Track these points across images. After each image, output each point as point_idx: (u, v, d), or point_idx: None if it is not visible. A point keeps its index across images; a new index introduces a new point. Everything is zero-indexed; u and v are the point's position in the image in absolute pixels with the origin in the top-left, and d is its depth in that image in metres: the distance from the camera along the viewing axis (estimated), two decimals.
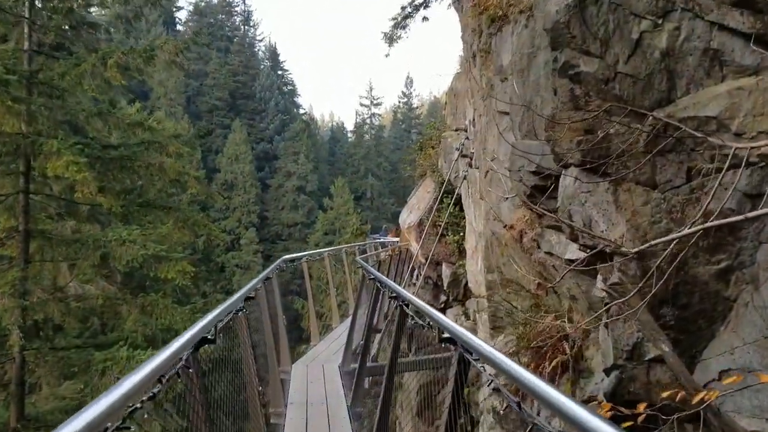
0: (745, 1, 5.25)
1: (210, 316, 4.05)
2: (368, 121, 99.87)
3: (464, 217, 14.74)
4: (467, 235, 13.65)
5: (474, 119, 11.29)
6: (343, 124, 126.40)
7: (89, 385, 15.76)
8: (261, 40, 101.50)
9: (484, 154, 9.84)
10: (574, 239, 6.62)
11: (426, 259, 16.05)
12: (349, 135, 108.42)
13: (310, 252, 18.07)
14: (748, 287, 5.54)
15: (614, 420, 4.91)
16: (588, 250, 6.16)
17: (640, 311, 5.44)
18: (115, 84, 17.43)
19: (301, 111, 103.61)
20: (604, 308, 5.97)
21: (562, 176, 6.46)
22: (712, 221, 4.70)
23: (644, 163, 5.55)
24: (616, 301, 5.59)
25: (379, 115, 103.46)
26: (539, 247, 7.75)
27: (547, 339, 7.39)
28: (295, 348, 25.02)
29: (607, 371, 6.55)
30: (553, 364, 7.44)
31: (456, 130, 16.06)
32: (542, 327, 7.54)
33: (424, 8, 24.95)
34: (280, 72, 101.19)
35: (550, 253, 7.46)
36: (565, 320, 7.50)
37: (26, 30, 16.29)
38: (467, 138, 13.07)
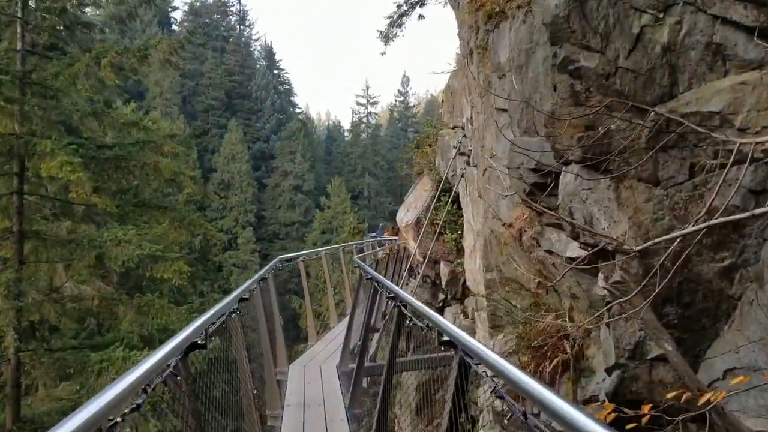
0: None
1: (200, 320, 3.89)
2: (365, 119, 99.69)
3: (462, 215, 14.64)
4: (465, 234, 13.56)
5: (471, 117, 11.19)
6: (339, 123, 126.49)
7: (85, 386, 15.71)
8: (257, 40, 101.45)
9: (482, 151, 9.74)
10: (575, 237, 6.53)
11: (424, 258, 15.95)
12: (346, 134, 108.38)
13: (307, 251, 17.98)
14: (752, 285, 5.46)
15: (617, 421, 4.85)
16: (589, 249, 6.07)
17: (644, 310, 5.35)
18: (110, 84, 17.34)
19: (298, 110, 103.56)
20: (606, 307, 5.88)
21: (562, 173, 6.37)
22: (717, 218, 4.60)
23: (646, 159, 5.46)
24: (618, 300, 5.50)
25: (376, 113, 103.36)
26: (539, 246, 7.65)
27: (547, 338, 7.30)
28: (293, 347, 24.97)
29: (609, 370, 6.47)
30: (554, 363, 7.35)
31: (453, 127, 15.96)
32: (542, 326, 7.44)
33: (420, 6, 24.85)
34: (276, 71, 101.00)
35: (550, 252, 7.36)
36: (566, 319, 7.40)
37: (19, 30, 16.20)
38: (465, 136, 12.96)
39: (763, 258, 5.32)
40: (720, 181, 4.76)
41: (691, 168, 5.45)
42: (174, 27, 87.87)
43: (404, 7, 24.92)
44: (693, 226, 4.82)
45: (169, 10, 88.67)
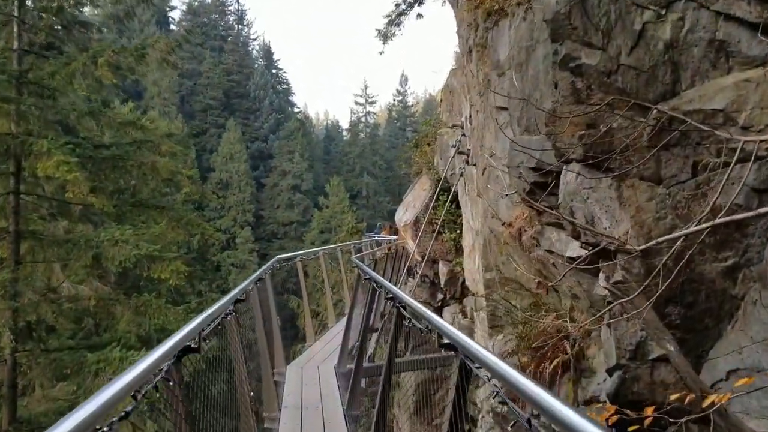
0: None
1: (193, 323, 3.78)
2: (363, 119, 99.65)
3: (461, 215, 14.58)
4: (464, 233, 13.49)
5: (470, 115, 11.12)
6: (338, 122, 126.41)
7: (82, 387, 15.65)
8: (255, 39, 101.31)
9: (482, 150, 9.67)
10: (576, 237, 6.45)
11: (422, 257, 15.88)
12: (344, 133, 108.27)
13: (305, 251, 17.90)
14: (755, 285, 5.40)
15: (619, 423, 4.78)
16: (590, 248, 5.99)
17: (639, 309, 5.28)
18: (107, 83, 17.27)
19: (296, 110, 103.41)
20: (608, 308, 5.79)
21: (563, 172, 6.29)
22: (721, 218, 4.53)
23: (648, 157, 5.39)
24: (620, 300, 5.42)
25: (374, 113, 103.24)
26: (539, 245, 7.58)
27: (548, 339, 7.22)
28: (291, 346, 24.92)
29: (610, 371, 6.40)
30: (554, 363, 7.28)
31: (452, 126, 15.90)
32: (543, 327, 7.37)
33: (419, 5, 24.82)
34: (274, 71, 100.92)
35: (550, 251, 7.29)
36: (567, 320, 7.33)
37: (15, 29, 16.12)
38: (464, 135, 12.89)
39: (766, 257, 5.26)
40: (724, 180, 4.68)
41: (694, 166, 5.38)
42: (172, 27, 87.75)
43: (403, 6, 24.89)
44: (696, 225, 4.75)
45: (167, 9, 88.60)
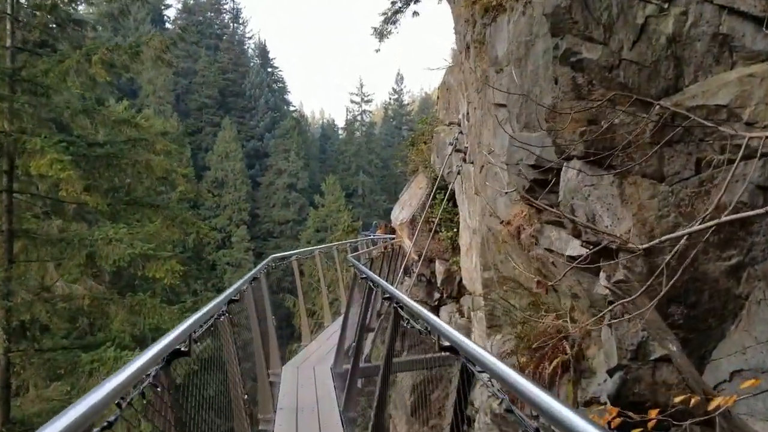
0: None
1: (184, 325, 3.62)
2: (359, 118, 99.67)
3: (458, 213, 14.49)
4: (461, 232, 13.40)
5: (468, 113, 11.01)
6: (333, 121, 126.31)
7: (76, 387, 15.58)
8: (250, 38, 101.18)
9: (479, 148, 9.56)
10: (577, 235, 6.34)
11: (419, 256, 15.79)
12: (340, 132, 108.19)
13: (301, 250, 17.85)
14: (760, 284, 5.30)
15: (622, 425, 4.68)
16: (591, 247, 5.88)
17: (643, 309, 5.18)
18: (101, 81, 17.16)
19: (292, 108, 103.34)
20: (610, 307, 5.69)
21: (563, 169, 6.18)
22: (726, 216, 4.42)
23: (651, 154, 5.28)
24: (622, 300, 5.32)
25: (370, 111, 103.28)
26: (538, 244, 7.48)
27: (548, 339, 7.12)
28: (287, 345, 24.81)
29: (611, 372, 6.30)
30: (554, 364, 7.18)
31: (449, 124, 15.78)
32: (543, 327, 7.26)
33: (415, 2, 24.66)
34: (269, 69, 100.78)
35: (549, 250, 7.18)
36: (567, 320, 7.23)
37: (9, 26, 16.01)
38: (461, 132, 12.79)
39: None
40: (729, 177, 4.59)
41: (697, 163, 5.27)
42: (167, 25, 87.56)
43: (399, 4, 24.74)
44: (701, 223, 4.65)
45: (162, 8, 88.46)
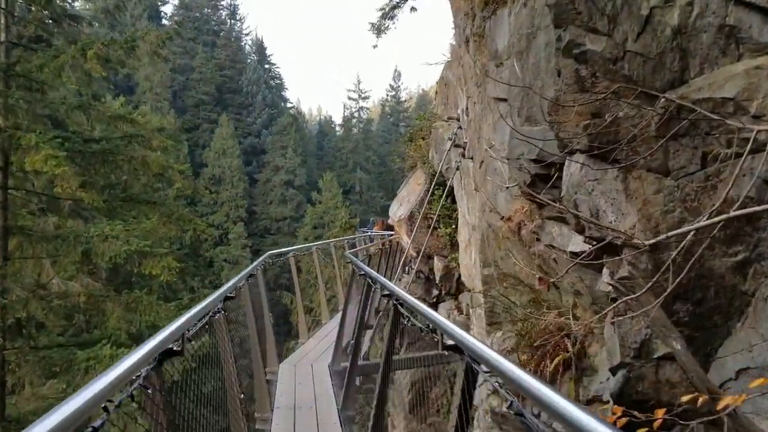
0: None
1: (177, 323, 3.46)
2: (356, 114, 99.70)
3: (456, 210, 14.39)
4: (460, 228, 13.30)
5: (467, 107, 10.90)
6: (331, 117, 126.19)
7: (72, 385, 15.51)
8: (247, 34, 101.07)
9: (479, 143, 9.45)
10: (580, 231, 6.23)
11: (417, 253, 15.69)
12: (337, 129, 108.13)
13: (298, 246, 17.79)
14: (767, 280, 5.19)
15: (628, 425, 4.58)
16: (594, 243, 5.77)
17: (649, 306, 5.08)
18: (96, 76, 17.06)
19: (289, 105, 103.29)
20: (615, 304, 5.58)
21: (566, 164, 6.06)
22: (735, 210, 4.31)
23: (656, 148, 5.16)
24: (626, 297, 5.21)
25: (367, 108, 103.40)
26: (539, 240, 7.37)
27: (550, 337, 7.02)
28: (284, 342, 24.75)
29: (614, 370, 6.20)
30: (555, 362, 7.08)
31: (447, 119, 15.68)
32: (544, 324, 7.16)
33: None
34: (267, 66, 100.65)
35: (551, 246, 7.07)
36: (570, 317, 7.12)
37: (3, 21, 15.91)
38: (460, 127, 12.69)
39: None
40: (736, 172, 4.48)
41: (703, 157, 5.16)
42: (164, 21, 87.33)
43: None
44: (708, 218, 4.54)
45: (159, 4, 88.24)
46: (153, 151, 18.52)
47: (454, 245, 15.05)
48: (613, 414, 4.77)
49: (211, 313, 4.72)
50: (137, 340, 17.39)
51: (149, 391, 2.81)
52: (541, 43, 6.34)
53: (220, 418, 5.45)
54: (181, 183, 21.62)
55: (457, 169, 12.73)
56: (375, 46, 27.24)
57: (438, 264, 16.05)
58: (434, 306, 15.81)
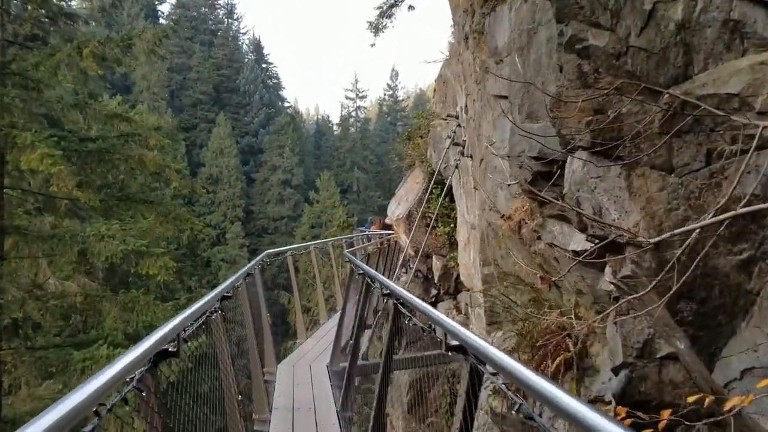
0: None
1: (173, 323, 3.34)
2: (354, 114, 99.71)
3: (455, 208, 14.32)
4: (459, 227, 13.23)
5: (466, 105, 10.82)
6: (328, 117, 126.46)
7: (68, 386, 15.42)
8: (245, 33, 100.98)
9: (479, 140, 9.37)
10: (583, 229, 6.15)
11: (416, 252, 15.62)
12: (335, 128, 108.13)
13: (296, 245, 17.72)
14: None
15: (632, 427, 4.50)
16: (597, 241, 5.69)
17: (653, 305, 5.01)
18: (92, 74, 16.99)
19: (286, 104, 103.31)
20: (617, 304, 5.51)
21: (569, 161, 5.98)
22: (741, 208, 4.24)
23: (660, 145, 5.08)
24: (630, 297, 5.13)
25: (365, 107, 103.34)
26: (540, 239, 7.29)
27: (552, 337, 6.95)
28: (282, 342, 24.68)
29: (616, 370, 6.13)
30: (557, 362, 7.02)
31: (446, 117, 15.59)
32: (546, 324, 7.09)
33: None
34: (264, 65, 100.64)
35: (552, 245, 7.00)
36: (572, 316, 7.05)
37: None
38: (459, 125, 12.61)
39: None
40: (742, 168, 4.40)
41: (708, 154, 5.07)
42: (161, 21, 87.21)
43: None
44: (713, 216, 4.46)
45: (156, 3, 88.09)
46: (150, 150, 18.47)
47: (452, 244, 14.99)
48: (617, 415, 4.71)
49: (208, 313, 4.63)
50: (134, 340, 17.29)
51: (143, 393, 2.71)
52: (542, 39, 6.26)
53: (217, 420, 5.36)
54: (178, 182, 21.54)
55: (456, 167, 12.66)
56: (373, 45, 27.28)
57: (436, 263, 15.99)
58: (433, 305, 15.65)
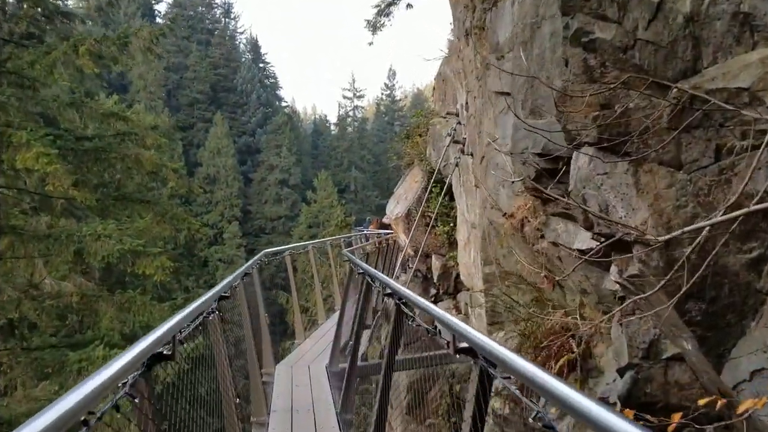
0: None
1: (167, 325, 3.18)
2: (351, 113, 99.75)
3: (454, 207, 14.21)
4: (458, 226, 13.13)
5: (467, 102, 10.71)
6: (325, 116, 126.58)
7: (64, 387, 15.30)
8: (242, 33, 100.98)
9: (480, 138, 9.25)
10: (589, 227, 6.03)
11: (415, 251, 15.51)
12: (332, 128, 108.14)
13: (294, 245, 17.61)
14: None
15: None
16: (603, 239, 5.57)
17: (660, 305, 4.90)
18: (89, 73, 16.87)
19: (284, 104, 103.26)
20: (626, 303, 5.40)
21: (574, 157, 5.85)
22: (754, 205, 4.12)
23: (668, 140, 4.95)
24: (638, 296, 5.02)
25: (362, 107, 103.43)
26: (543, 237, 7.18)
27: (556, 337, 6.84)
28: (280, 342, 24.58)
29: (621, 371, 6.02)
30: (560, 363, 6.91)
31: (446, 115, 15.47)
32: (550, 324, 6.97)
33: None
34: (261, 64, 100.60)
35: (555, 243, 6.88)
36: (577, 316, 6.94)
37: None
38: (459, 123, 12.50)
39: None
40: (754, 164, 4.28)
41: (717, 150, 4.95)
42: (158, 20, 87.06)
43: None
44: (724, 213, 4.34)
45: (153, 2, 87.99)
46: (147, 149, 18.40)
47: (452, 243, 14.88)
48: None
49: (205, 314, 4.50)
50: (131, 340, 17.14)
51: (136, 400, 2.56)
52: (546, 33, 6.15)
53: (214, 423, 5.23)
54: (175, 182, 21.45)
55: (456, 165, 12.55)
56: (371, 44, 27.16)
57: (436, 263, 15.89)
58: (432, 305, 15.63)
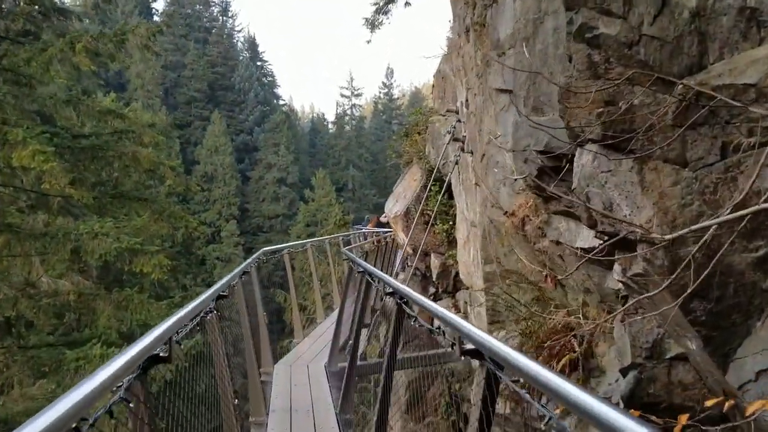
0: None
1: (164, 325, 3.10)
2: (349, 112, 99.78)
3: (454, 206, 14.15)
4: (458, 224, 13.06)
5: (467, 99, 10.64)
6: (323, 115, 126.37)
7: (61, 385, 15.25)
8: (240, 31, 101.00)
9: (480, 135, 9.18)
10: (592, 225, 5.95)
11: (414, 250, 15.45)
12: (330, 126, 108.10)
13: (292, 243, 17.54)
14: None
15: None
16: (606, 237, 5.50)
17: (664, 304, 4.83)
18: (85, 70, 16.79)
19: (281, 102, 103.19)
20: (630, 302, 5.33)
21: (578, 154, 5.78)
22: (764, 203, 4.05)
23: (674, 138, 4.88)
24: (644, 295, 4.95)
25: (360, 106, 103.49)
26: (544, 236, 7.11)
27: (558, 337, 6.77)
28: (278, 341, 24.51)
29: (624, 371, 5.96)
30: (562, 362, 6.84)
31: (445, 113, 15.41)
32: (552, 323, 6.91)
33: None
34: (259, 63, 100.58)
35: (557, 242, 6.81)
36: (580, 316, 6.87)
37: None
38: (459, 120, 12.42)
39: None
40: (762, 161, 4.21)
41: (723, 147, 4.88)
42: (156, 18, 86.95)
43: None
44: (731, 211, 4.27)
45: (150, 0, 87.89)
46: (144, 147, 18.32)
47: (451, 242, 14.82)
48: None
49: (202, 313, 4.42)
50: (128, 339, 17.13)
51: (131, 405, 2.46)
52: (549, 29, 6.07)
53: (212, 423, 5.15)
54: (173, 180, 21.36)
55: (456, 163, 12.48)
56: (369, 42, 27.06)
57: (435, 261, 15.84)
58: None
